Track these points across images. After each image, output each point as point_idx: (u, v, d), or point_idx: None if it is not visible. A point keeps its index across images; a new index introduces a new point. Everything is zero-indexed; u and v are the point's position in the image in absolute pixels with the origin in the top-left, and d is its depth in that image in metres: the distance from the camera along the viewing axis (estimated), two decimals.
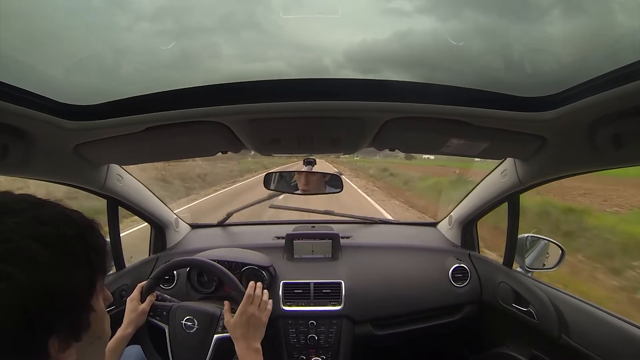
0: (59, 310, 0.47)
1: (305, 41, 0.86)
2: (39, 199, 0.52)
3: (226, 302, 1.14)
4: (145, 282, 1.22)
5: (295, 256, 1.74)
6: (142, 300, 1.19)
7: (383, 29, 0.83)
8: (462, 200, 1.85)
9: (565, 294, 1.29)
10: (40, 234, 0.46)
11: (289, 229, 1.86)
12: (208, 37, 0.83)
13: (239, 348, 1.03)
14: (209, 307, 1.19)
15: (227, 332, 1.09)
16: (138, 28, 0.79)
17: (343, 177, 1.75)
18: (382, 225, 2.33)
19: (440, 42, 0.82)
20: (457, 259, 1.71)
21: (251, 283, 1.15)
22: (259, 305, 1.12)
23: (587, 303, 1.21)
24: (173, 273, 1.63)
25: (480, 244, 1.89)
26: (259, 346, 1.05)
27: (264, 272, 1.57)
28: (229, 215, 2.16)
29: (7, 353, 0.44)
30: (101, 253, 0.54)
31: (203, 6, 0.80)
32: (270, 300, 1.18)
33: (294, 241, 1.75)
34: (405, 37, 0.82)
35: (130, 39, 0.82)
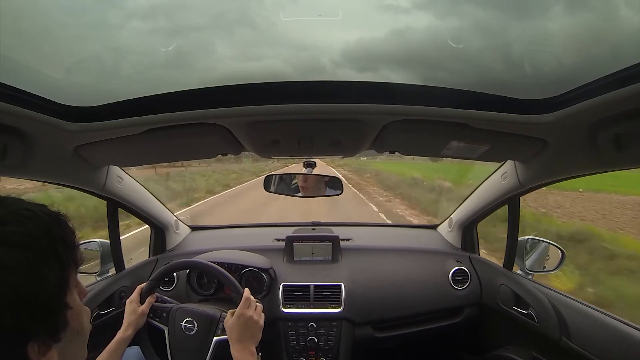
0: (33, 314, 0.44)
1: (302, 40, 0.86)
2: None
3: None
4: (145, 283, 1.22)
5: (295, 258, 1.74)
6: (142, 302, 1.18)
7: (380, 27, 0.82)
8: (462, 203, 1.85)
9: (565, 296, 1.29)
10: (3, 235, 0.44)
11: (289, 231, 1.86)
12: (205, 36, 0.83)
13: (234, 350, 1.02)
14: (209, 309, 1.18)
15: (227, 334, 1.09)
16: (135, 27, 0.79)
17: None
18: (383, 228, 2.33)
19: (439, 41, 0.82)
20: (457, 261, 1.71)
21: (247, 288, 1.15)
22: (256, 309, 1.11)
23: (587, 305, 1.21)
24: (173, 275, 1.63)
25: None
26: (254, 349, 1.05)
27: (263, 275, 1.57)
28: None
29: None
30: (71, 247, 0.51)
31: (199, 4, 0.80)
32: (260, 306, 1.17)
33: (294, 243, 1.75)
34: (403, 34, 0.82)
35: (126, 38, 0.82)
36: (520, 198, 1.46)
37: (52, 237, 0.48)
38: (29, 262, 0.44)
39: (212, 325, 1.13)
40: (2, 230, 0.44)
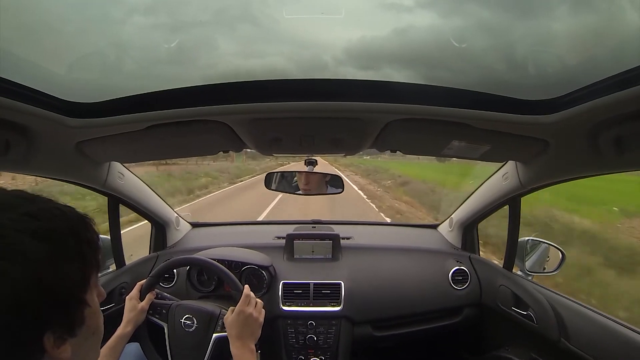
0: (53, 305, 0.47)
1: (304, 37, 0.86)
2: (31, 194, 0.52)
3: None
4: (145, 280, 1.22)
5: (295, 256, 1.74)
6: (142, 298, 1.19)
7: (383, 25, 0.83)
8: (463, 203, 1.85)
9: (565, 297, 1.29)
10: (34, 229, 0.46)
11: (289, 229, 1.86)
12: (208, 32, 0.84)
13: (233, 347, 1.03)
14: (209, 306, 1.19)
15: (227, 332, 1.09)
16: (137, 23, 0.79)
17: None
18: (383, 227, 2.33)
19: (442, 40, 0.82)
20: (458, 261, 1.71)
21: (247, 285, 1.15)
22: (256, 306, 1.12)
23: (586, 307, 1.20)
24: (173, 271, 1.63)
25: None
26: (254, 347, 1.05)
27: (263, 272, 1.58)
28: None
29: (3, 349, 0.44)
30: (94, 248, 0.54)
31: (203, 1, 0.80)
32: (261, 302, 1.18)
33: (295, 241, 1.75)
34: (406, 33, 0.82)
35: (129, 33, 0.83)
36: None
37: (78, 236, 0.51)
38: (55, 256, 0.47)
39: (212, 322, 1.14)
40: (33, 223, 0.47)
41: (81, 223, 0.54)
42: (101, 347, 1.05)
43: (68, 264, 0.49)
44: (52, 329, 0.47)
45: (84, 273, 0.52)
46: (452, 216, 1.95)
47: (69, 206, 0.54)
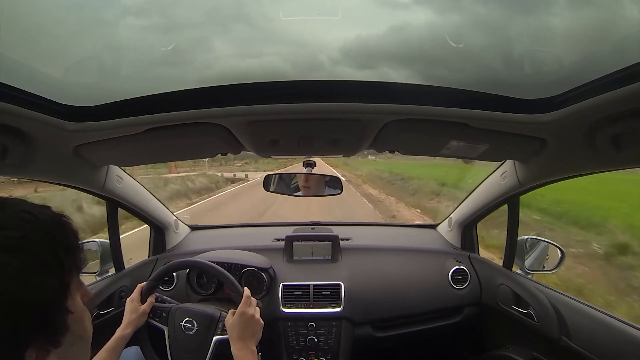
0: (32, 321, 0.43)
1: (299, 37, 0.86)
2: (0, 197, 0.47)
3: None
4: (145, 283, 1.22)
5: (294, 258, 1.74)
6: (143, 301, 1.19)
7: (379, 23, 0.82)
8: (461, 203, 1.85)
9: (565, 295, 1.29)
10: (1, 241, 0.42)
11: (288, 231, 1.86)
12: (203, 33, 0.83)
13: (234, 348, 1.03)
14: (209, 308, 1.18)
15: (227, 334, 1.09)
16: (131, 24, 0.79)
17: None
18: (382, 227, 2.33)
19: (438, 38, 0.81)
20: (457, 261, 1.71)
21: (246, 287, 1.15)
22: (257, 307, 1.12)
23: (587, 305, 1.21)
24: (172, 275, 1.63)
25: None
26: (255, 348, 1.05)
27: (263, 274, 1.57)
28: None
29: None
30: (72, 251, 0.50)
31: (197, 2, 0.80)
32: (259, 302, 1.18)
33: (294, 243, 1.75)
34: (402, 31, 0.81)
35: (124, 36, 0.83)
36: None
37: (53, 241, 0.47)
38: (27, 269, 0.43)
39: (212, 324, 1.13)
40: (1, 234, 0.43)
41: (56, 226, 0.49)
42: (100, 349, 1.05)
43: (44, 274, 0.45)
44: (33, 344, 0.43)
45: (63, 280, 0.48)
46: (451, 216, 1.95)
47: (43, 206, 0.50)
